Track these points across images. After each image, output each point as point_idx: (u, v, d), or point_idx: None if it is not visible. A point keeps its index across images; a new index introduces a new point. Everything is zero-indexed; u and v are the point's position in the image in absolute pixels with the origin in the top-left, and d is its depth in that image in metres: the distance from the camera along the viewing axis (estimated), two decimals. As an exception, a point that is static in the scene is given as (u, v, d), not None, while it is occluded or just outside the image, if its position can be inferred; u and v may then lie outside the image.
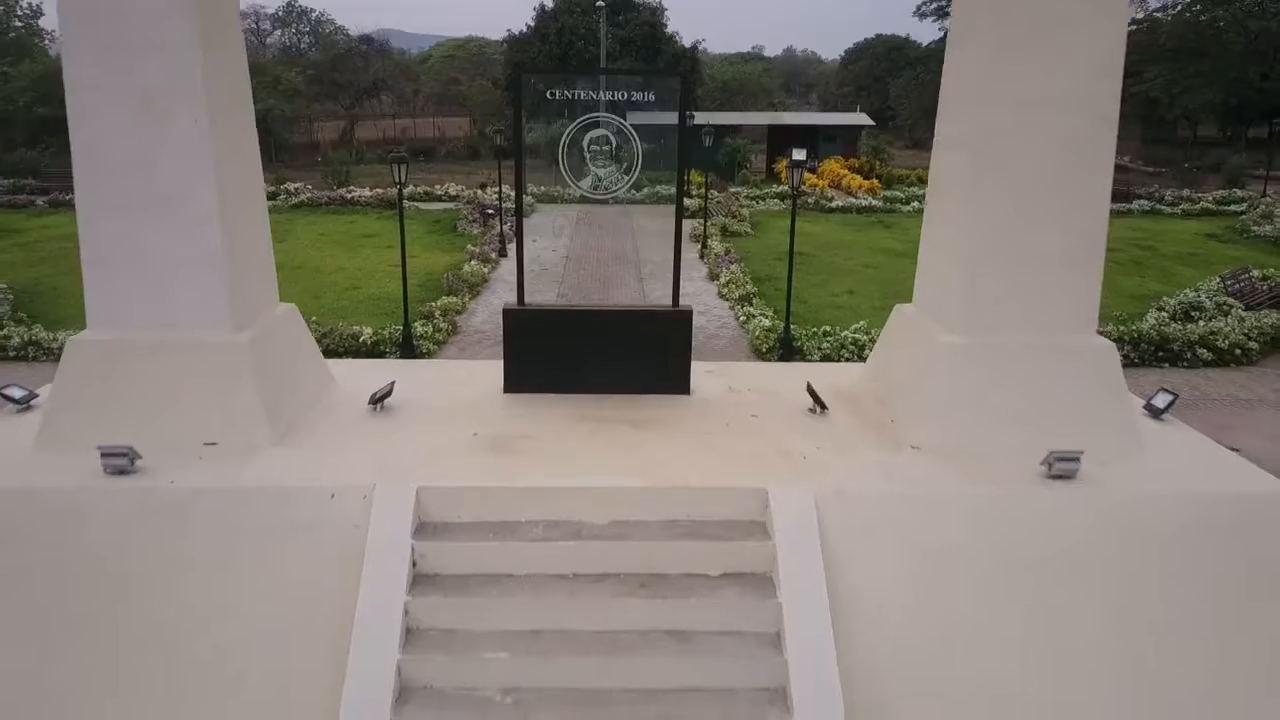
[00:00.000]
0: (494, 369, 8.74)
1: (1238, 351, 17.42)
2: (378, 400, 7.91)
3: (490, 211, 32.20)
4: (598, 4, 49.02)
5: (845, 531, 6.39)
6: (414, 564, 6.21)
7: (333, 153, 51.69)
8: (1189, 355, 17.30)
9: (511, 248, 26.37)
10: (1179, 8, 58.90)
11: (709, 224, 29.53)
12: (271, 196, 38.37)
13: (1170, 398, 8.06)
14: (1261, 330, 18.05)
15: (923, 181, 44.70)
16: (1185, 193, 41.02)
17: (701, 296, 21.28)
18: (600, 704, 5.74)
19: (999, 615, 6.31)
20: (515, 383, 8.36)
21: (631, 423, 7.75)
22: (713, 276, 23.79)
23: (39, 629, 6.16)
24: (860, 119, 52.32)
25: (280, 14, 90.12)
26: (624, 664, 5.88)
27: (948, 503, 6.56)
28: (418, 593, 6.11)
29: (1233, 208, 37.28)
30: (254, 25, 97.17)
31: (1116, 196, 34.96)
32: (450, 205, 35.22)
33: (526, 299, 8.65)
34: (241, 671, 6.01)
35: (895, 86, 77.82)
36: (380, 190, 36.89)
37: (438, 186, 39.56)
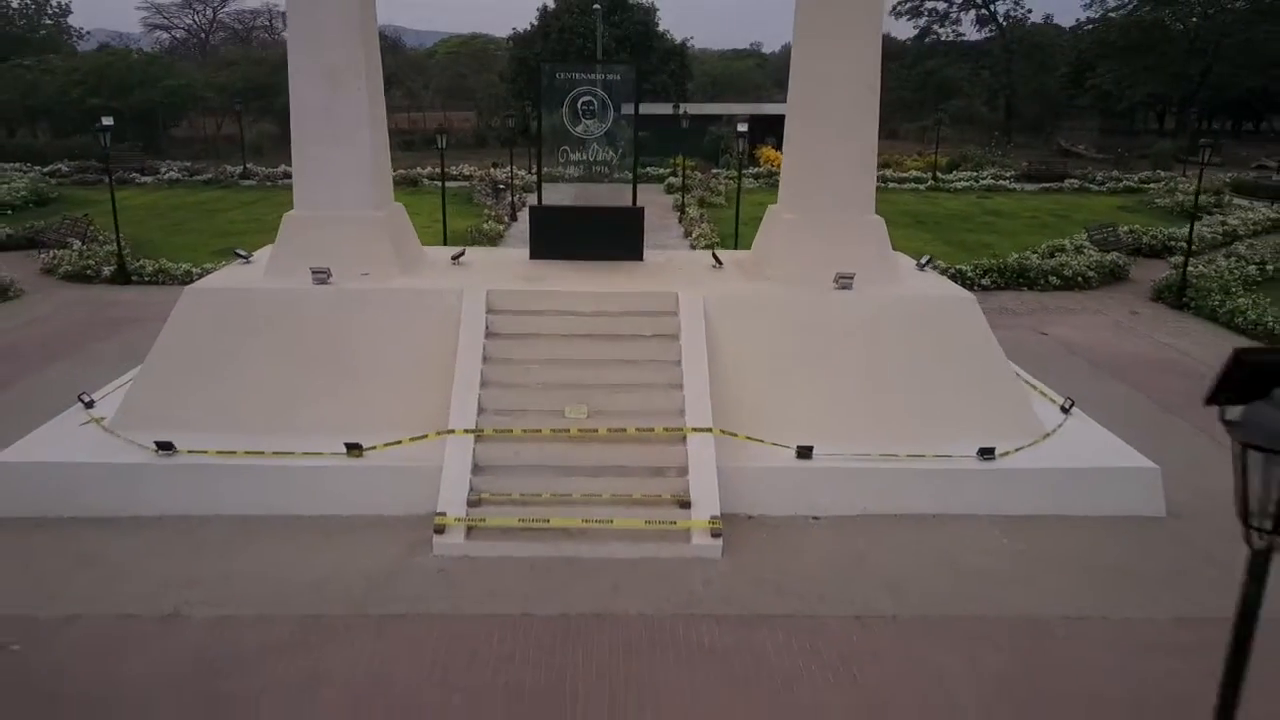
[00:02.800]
0: (524, 250, 14.15)
1: (1080, 279, 22.82)
2: (456, 258, 13.32)
3: (501, 186, 37.59)
4: (594, 5, 54.43)
5: (718, 314, 11.76)
6: (487, 326, 11.58)
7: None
8: (1042, 281, 22.69)
9: (521, 214, 31.78)
10: (1130, 7, 64.12)
11: (688, 197, 34.91)
12: (307, 176, 43.90)
13: (928, 258, 13.52)
14: (1101, 265, 23.46)
15: (887, 165, 50.15)
16: (1114, 174, 46.29)
17: (676, 247, 26.66)
18: (589, 388, 11.12)
19: (801, 361, 11.65)
20: (536, 253, 13.78)
21: (605, 270, 13.13)
22: (687, 234, 29.22)
23: (284, 360, 11.52)
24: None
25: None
26: (598, 373, 11.26)
27: (776, 300, 11.96)
28: (488, 340, 11.49)
29: (1151, 187, 42.52)
30: (269, 23, 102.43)
31: (1048, 177, 40.62)
32: (464, 183, 40.46)
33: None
34: (399, 379, 11.37)
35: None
36: (402, 171, 42.17)
37: (452, 168, 44.85)
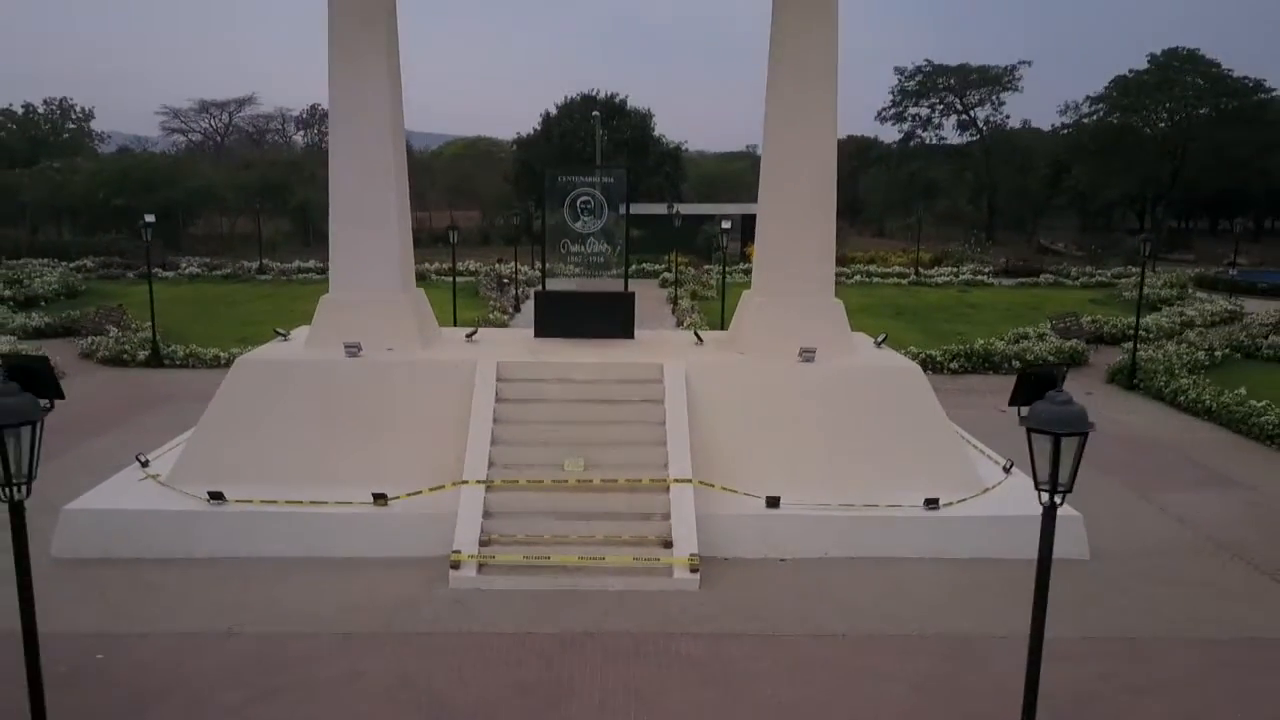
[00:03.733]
0: (530, 330, 16.05)
1: (1040, 364, 24.67)
2: (470, 336, 15.19)
3: (506, 280, 39.82)
4: (594, 111, 57.79)
5: (698, 382, 13.56)
6: (497, 392, 13.36)
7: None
8: (1006, 365, 24.56)
9: (525, 305, 33.85)
10: (1101, 112, 67.72)
11: (680, 290, 37.11)
12: (320, 272, 46.29)
13: (883, 336, 15.39)
14: (1061, 350, 25.38)
15: (873, 261, 52.70)
16: (1088, 269, 48.70)
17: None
18: (585, 445, 12.83)
19: (770, 423, 13.38)
20: (541, 331, 15.65)
21: (600, 345, 14.97)
22: (679, 324, 31.24)
23: (320, 422, 13.25)
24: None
25: (304, 116, 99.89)
26: (593, 431, 12.98)
27: (748, 370, 13.78)
28: (498, 404, 13.25)
29: (1121, 281, 44.80)
30: (280, 126, 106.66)
31: (1025, 272, 43.19)
32: (470, 278, 42.70)
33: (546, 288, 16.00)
34: (419, 438, 13.08)
35: (863, 181, 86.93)
36: (412, 265, 44.50)
37: (459, 263, 47.25)
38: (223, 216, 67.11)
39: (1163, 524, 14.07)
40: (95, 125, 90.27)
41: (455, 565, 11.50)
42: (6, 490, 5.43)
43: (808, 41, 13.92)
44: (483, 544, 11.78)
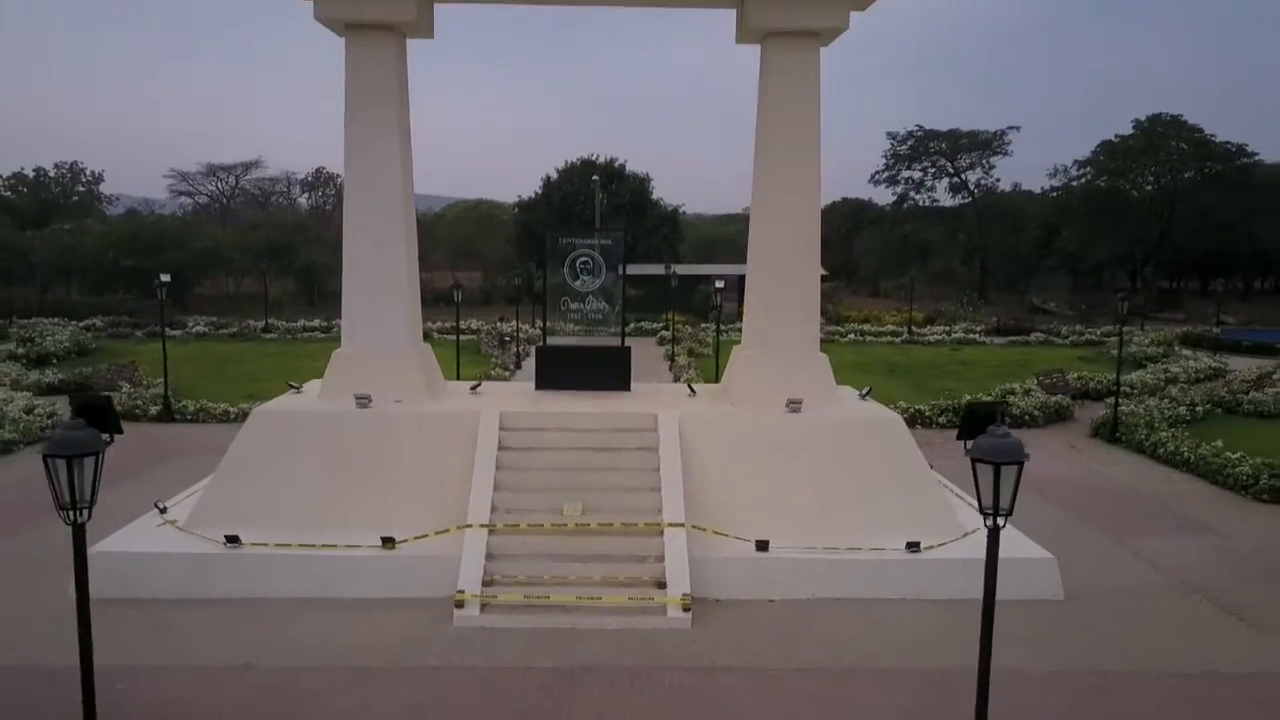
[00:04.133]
0: (531, 383, 16.83)
1: (1027, 418, 25.42)
2: (474, 388, 15.95)
3: (507, 338, 40.71)
4: (594, 176, 59.34)
5: (690, 431, 14.30)
6: (499, 441, 14.09)
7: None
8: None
9: (526, 363, 34.67)
10: (1087, 177, 69.38)
11: (678, 348, 38.00)
12: (324, 330, 47.32)
13: (868, 389, 16.14)
14: (1046, 405, 26.13)
15: (867, 320, 53.69)
16: (1077, 328, 49.65)
17: (664, 389, 29.45)
18: (583, 490, 13.52)
19: (759, 470, 14.09)
20: (542, 384, 16.42)
21: (598, 397, 15.74)
22: (675, 379, 32.05)
23: (331, 470, 13.95)
24: (815, 269, 61.77)
25: (309, 179, 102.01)
26: (591, 478, 13.68)
27: (739, 420, 14.52)
28: (501, 452, 13.97)
29: (1110, 340, 45.65)
30: (285, 188, 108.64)
31: (1016, 331, 44.29)
32: (472, 336, 43.57)
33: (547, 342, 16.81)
34: (426, 484, 13.77)
35: (858, 242, 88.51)
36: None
37: (462, 322, 48.25)
38: (229, 277, 68.36)
39: (1136, 568, 14.68)
40: (104, 188, 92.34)
41: (460, 604, 12.11)
42: (70, 513, 6.12)
43: (792, 115, 14.93)
44: (486, 584, 12.40)
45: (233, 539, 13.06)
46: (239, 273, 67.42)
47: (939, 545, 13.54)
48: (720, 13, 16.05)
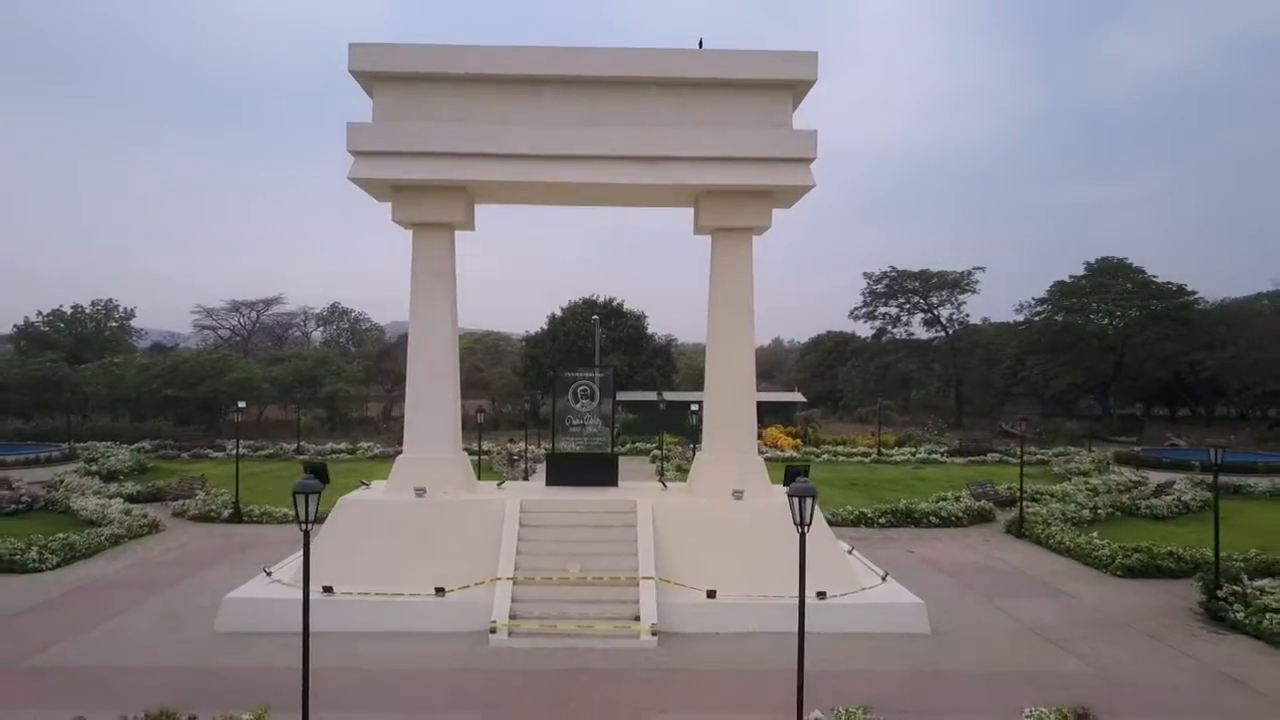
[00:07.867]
0: (543, 481, 22.13)
1: (953, 519, 30.51)
2: (500, 484, 21.25)
3: (516, 457, 45.99)
4: (594, 315, 65.79)
5: (661, 513, 19.54)
6: (520, 520, 19.31)
7: (386, 423, 66.63)
8: (925, 520, 30.36)
9: (533, 478, 39.84)
10: (1044, 314, 75.75)
11: (667, 465, 43.21)
12: (350, 453, 52.66)
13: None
14: (971, 509, 31.27)
15: (842, 443, 58.96)
16: (1030, 449, 54.81)
17: (652, 499, 34.55)
18: (581, 555, 18.66)
19: (711, 540, 19.23)
20: (551, 481, 21.74)
21: (593, 490, 21.00)
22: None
23: (397, 540, 19.11)
24: (796, 397, 67.48)
25: (324, 313, 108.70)
26: (587, 546, 18.85)
27: (696, 505, 19.79)
28: (521, 528, 19.17)
29: (1055, 458, 50.78)
30: (302, 323, 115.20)
31: (975, 451, 49.80)
32: (483, 457, 48.71)
33: (556, 450, 22.19)
34: (466, 551, 18.90)
35: (842, 372, 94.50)
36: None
37: (473, 445, 53.50)
38: (256, 405, 74.01)
39: (996, 617, 19.62)
40: (135, 323, 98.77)
41: (493, 631, 17.12)
42: (305, 526, 11.36)
43: (734, 285, 20.73)
44: (511, 618, 17.43)
45: (328, 589, 18.12)
46: (263, 402, 73.08)
47: (840, 595, 18.56)
48: (684, 210, 22.07)
